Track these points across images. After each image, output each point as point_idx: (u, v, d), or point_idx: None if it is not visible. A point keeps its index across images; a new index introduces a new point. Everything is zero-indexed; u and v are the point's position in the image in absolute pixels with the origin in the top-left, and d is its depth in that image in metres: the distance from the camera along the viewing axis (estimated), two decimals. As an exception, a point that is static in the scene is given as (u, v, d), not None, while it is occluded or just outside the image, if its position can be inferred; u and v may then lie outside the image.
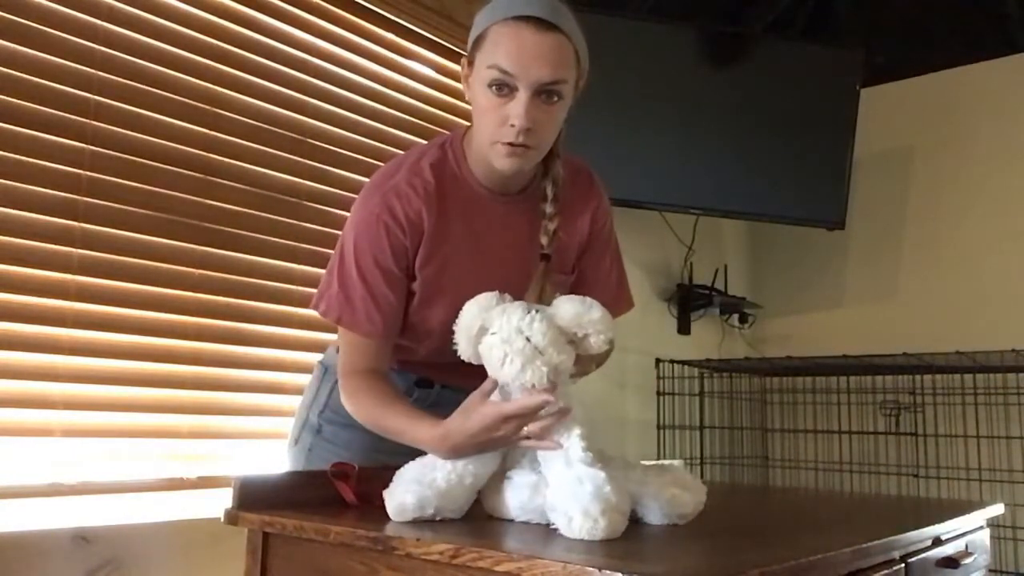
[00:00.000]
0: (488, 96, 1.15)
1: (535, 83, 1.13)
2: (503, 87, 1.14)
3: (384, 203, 1.24)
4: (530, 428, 1.04)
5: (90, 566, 1.57)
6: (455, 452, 1.09)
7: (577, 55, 1.20)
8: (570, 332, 1.06)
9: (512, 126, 1.14)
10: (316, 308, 1.30)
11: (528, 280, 1.23)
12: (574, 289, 1.33)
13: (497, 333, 1.05)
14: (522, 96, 1.13)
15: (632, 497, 1.04)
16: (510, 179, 1.26)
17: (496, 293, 1.12)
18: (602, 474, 0.97)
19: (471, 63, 1.20)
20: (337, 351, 1.37)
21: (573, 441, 1.02)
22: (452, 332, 1.14)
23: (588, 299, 1.08)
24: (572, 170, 1.34)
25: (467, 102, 1.23)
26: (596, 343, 1.06)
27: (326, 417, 1.43)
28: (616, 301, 1.39)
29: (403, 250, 1.25)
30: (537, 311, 1.05)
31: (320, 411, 1.43)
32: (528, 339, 1.02)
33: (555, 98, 1.16)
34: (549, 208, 1.26)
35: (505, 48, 1.13)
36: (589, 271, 1.39)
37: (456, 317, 1.14)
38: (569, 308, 1.06)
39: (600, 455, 1.04)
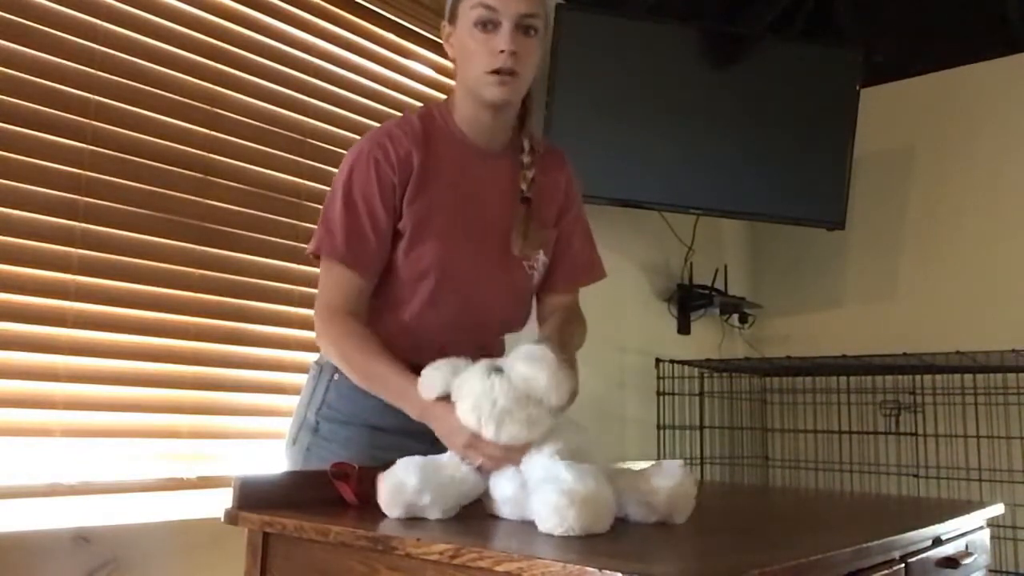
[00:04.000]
0: (475, 35, 1.30)
1: (515, 15, 1.29)
2: (488, 24, 1.29)
3: (375, 142, 1.35)
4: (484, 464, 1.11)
5: (90, 566, 1.57)
6: (420, 420, 1.20)
7: (544, 3, 1.36)
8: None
9: (501, 52, 1.29)
10: (307, 254, 1.38)
11: (509, 224, 1.38)
12: (551, 264, 1.48)
13: (466, 400, 1.07)
14: (506, 27, 1.29)
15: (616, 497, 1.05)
16: (494, 128, 1.39)
17: (451, 361, 1.14)
18: (564, 472, 0.98)
19: (452, 21, 1.35)
20: None
21: (544, 448, 1.04)
22: (445, 275, 1.31)
23: (537, 357, 1.07)
24: (546, 145, 1.51)
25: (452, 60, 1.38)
26: (555, 401, 1.06)
27: (324, 415, 1.42)
28: (589, 272, 1.57)
29: (391, 186, 1.33)
30: (498, 370, 1.05)
31: (318, 409, 1.43)
32: (495, 402, 1.04)
33: (532, 32, 1.32)
34: (527, 159, 1.41)
35: None
36: (562, 246, 1.51)
37: (447, 255, 1.31)
38: (520, 371, 1.06)
39: (582, 455, 1.06)
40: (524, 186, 1.40)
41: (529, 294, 1.50)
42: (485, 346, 1.40)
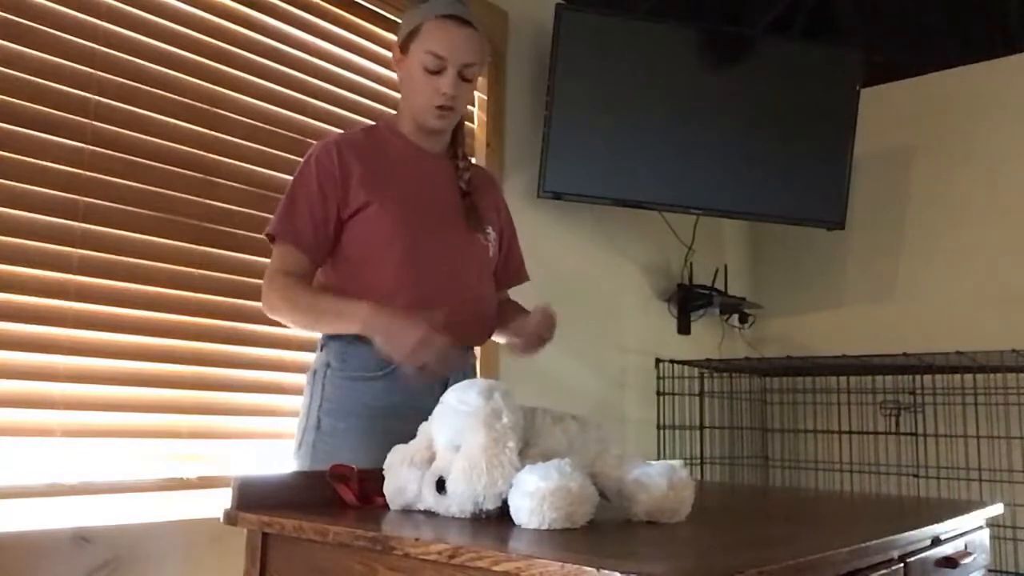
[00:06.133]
0: (423, 75, 1.52)
1: (460, 64, 1.51)
2: (435, 68, 1.50)
3: (320, 145, 1.54)
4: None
5: (90, 566, 1.58)
6: (372, 321, 1.38)
7: (483, 45, 1.58)
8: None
9: (444, 94, 1.51)
10: (265, 235, 1.53)
11: (452, 207, 1.58)
12: (497, 268, 1.68)
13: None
14: (451, 73, 1.51)
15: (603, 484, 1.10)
16: (433, 137, 1.60)
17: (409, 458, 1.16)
18: (526, 475, 1.01)
19: (404, 50, 1.55)
20: (321, 348, 1.53)
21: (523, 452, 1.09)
22: (411, 239, 1.48)
23: (472, 463, 1.09)
24: (478, 166, 1.77)
25: (396, 82, 1.64)
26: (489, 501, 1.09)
27: (324, 410, 1.48)
28: (521, 276, 1.79)
29: (332, 176, 1.49)
30: (440, 484, 1.08)
31: (319, 406, 1.49)
32: (448, 510, 1.08)
33: (470, 77, 1.54)
34: (462, 163, 1.64)
35: (438, 38, 1.51)
36: (502, 251, 1.71)
37: (410, 220, 1.49)
38: (458, 479, 1.08)
39: (566, 454, 1.09)
40: (463, 185, 1.61)
41: (490, 264, 1.64)
42: (462, 318, 1.53)
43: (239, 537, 1.11)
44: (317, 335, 2.03)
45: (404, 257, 1.49)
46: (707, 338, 3.49)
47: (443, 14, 1.51)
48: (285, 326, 2.00)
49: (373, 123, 1.68)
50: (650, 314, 3.23)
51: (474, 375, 1.65)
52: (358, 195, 1.50)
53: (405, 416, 1.33)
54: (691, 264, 3.33)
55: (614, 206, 2.89)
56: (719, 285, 3.38)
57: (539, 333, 1.56)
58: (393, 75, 2.36)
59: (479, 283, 1.60)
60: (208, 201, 1.91)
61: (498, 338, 1.69)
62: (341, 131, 1.70)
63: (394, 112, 1.75)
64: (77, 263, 1.68)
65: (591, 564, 0.77)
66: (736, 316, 3.61)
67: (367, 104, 2.28)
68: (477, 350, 1.69)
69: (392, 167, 1.55)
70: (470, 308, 1.57)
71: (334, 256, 1.54)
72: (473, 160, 2.49)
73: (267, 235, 1.53)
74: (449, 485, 1.06)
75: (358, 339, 1.47)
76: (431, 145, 1.61)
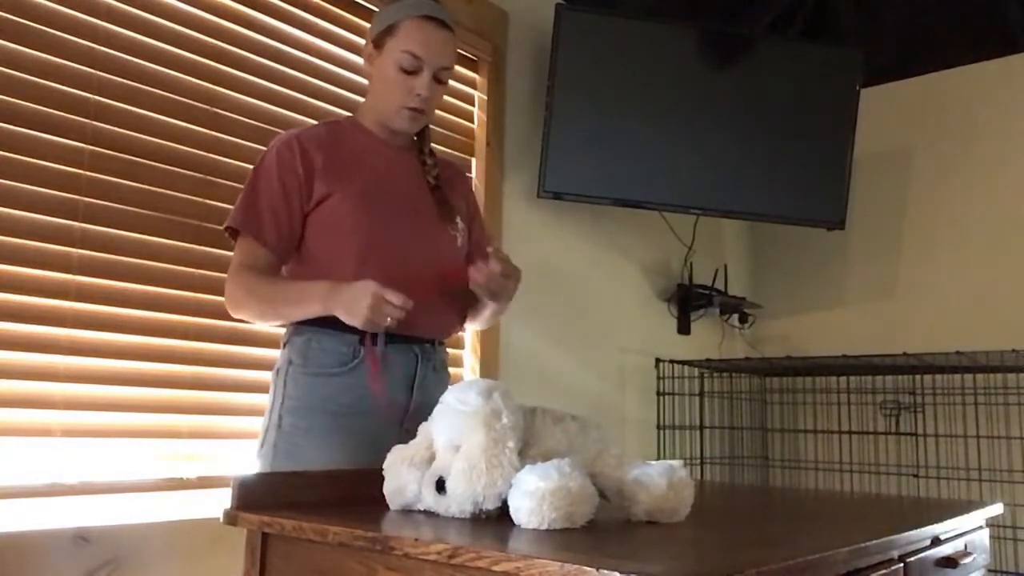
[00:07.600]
0: (397, 73, 1.50)
1: (436, 67, 1.51)
2: (411, 68, 1.49)
3: (280, 139, 1.53)
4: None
5: (90, 566, 1.58)
6: (329, 298, 1.36)
7: (456, 48, 1.59)
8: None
9: (418, 95, 1.51)
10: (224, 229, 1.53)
11: (417, 198, 1.56)
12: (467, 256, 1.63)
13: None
14: (426, 75, 1.51)
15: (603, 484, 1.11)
16: (398, 133, 1.58)
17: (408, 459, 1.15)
18: (526, 475, 1.01)
19: (379, 47, 1.53)
20: (284, 345, 1.53)
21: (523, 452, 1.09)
22: (372, 234, 1.46)
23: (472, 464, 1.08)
24: (447, 159, 1.75)
25: (366, 78, 1.60)
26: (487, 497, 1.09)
27: (286, 407, 1.48)
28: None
29: (292, 169, 1.47)
30: (440, 484, 1.08)
31: (280, 404, 1.49)
32: (448, 509, 1.07)
33: (444, 80, 1.54)
34: (429, 160, 1.62)
35: (416, 39, 1.49)
36: (472, 247, 1.67)
37: (372, 210, 1.47)
38: (458, 479, 1.08)
39: (565, 454, 1.09)
40: (430, 179, 1.60)
41: (458, 255, 1.61)
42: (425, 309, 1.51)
43: (239, 537, 1.11)
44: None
45: (364, 249, 1.48)
46: (707, 338, 3.49)
47: (423, 14, 1.50)
48: (284, 325, 2.02)
49: (336, 119, 1.67)
50: (650, 314, 3.23)
51: (444, 366, 1.63)
52: (319, 187, 1.49)
53: (366, 412, 1.36)
54: (691, 264, 3.33)
55: (614, 206, 2.89)
56: (719, 285, 3.38)
57: (496, 276, 1.45)
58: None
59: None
60: (208, 201, 1.91)
61: (473, 314, 1.67)
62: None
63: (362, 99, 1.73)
64: (77, 263, 1.68)
65: (591, 564, 0.77)
66: (736, 316, 3.61)
67: (367, 104, 2.28)
68: (468, 345, 1.69)
69: (354, 159, 1.54)
70: (433, 299, 1.55)
71: (298, 251, 1.53)
72: (473, 161, 2.51)
73: (227, 228, 1.51)
74: (449, 485, 1.06)
75: (319, 335, 1.47)
76: (395, 139, 1.60)
